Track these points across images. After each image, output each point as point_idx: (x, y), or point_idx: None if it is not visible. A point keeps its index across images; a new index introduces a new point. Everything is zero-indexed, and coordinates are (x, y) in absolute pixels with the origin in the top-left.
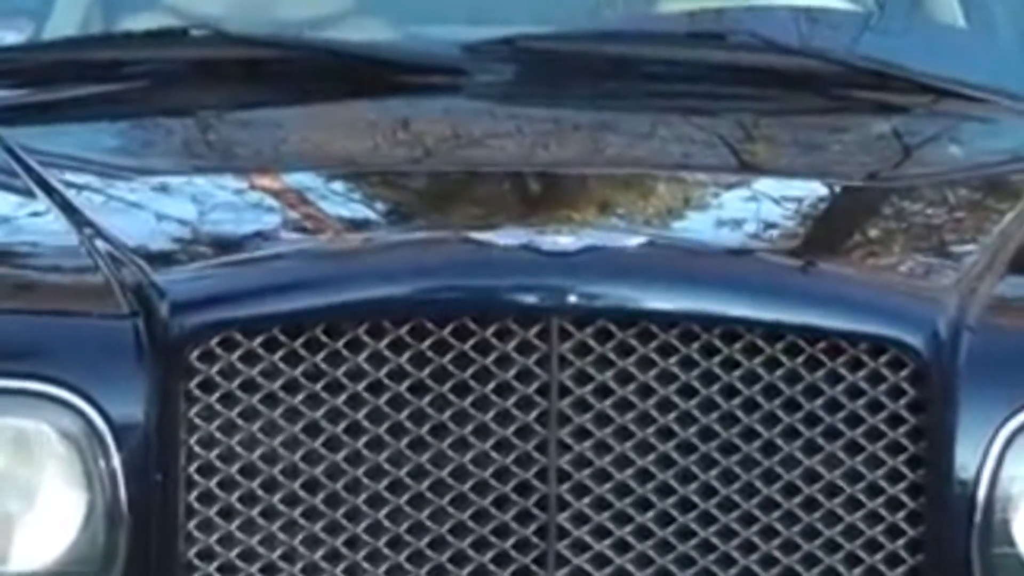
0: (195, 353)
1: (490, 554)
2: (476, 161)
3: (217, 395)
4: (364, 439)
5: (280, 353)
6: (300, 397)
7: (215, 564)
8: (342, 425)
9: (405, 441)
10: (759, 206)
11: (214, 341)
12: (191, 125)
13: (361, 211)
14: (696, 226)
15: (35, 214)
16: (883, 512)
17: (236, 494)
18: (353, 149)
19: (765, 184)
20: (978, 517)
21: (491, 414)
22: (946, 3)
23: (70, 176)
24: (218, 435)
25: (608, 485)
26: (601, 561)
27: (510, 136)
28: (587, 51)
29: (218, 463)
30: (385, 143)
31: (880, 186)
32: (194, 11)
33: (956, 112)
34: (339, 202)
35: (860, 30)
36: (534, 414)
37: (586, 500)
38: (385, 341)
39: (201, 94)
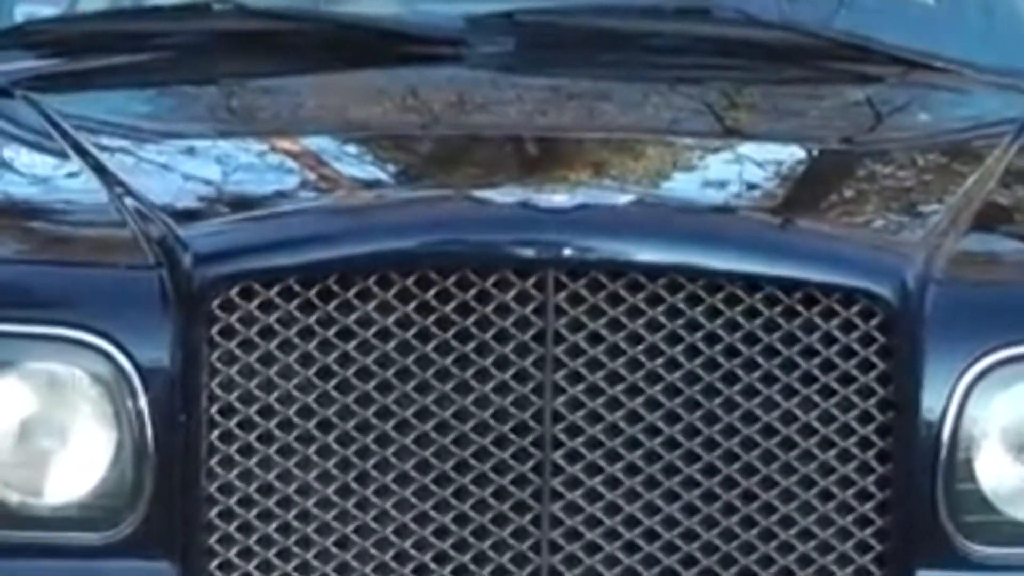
0: (216, 302)
1: (490, 489)
2: (478, 126)
3: (237, 341)
4: (373, 382)
5: (295, 302)
6: (314, 343)
7: (235, 498)
8: (352, 369)
9: (411, 384)
10: (741, 168)
11: (234, 291)
12: (213, 92)
13: (371, 171)
14: (682, 186)
15: (69, 174)
16: (854, 451)
17: (254, 433)
18: (363, 114)
19: (747, 148)
20: (943, 456)
21: (491, 359)
22: None
23: (101, 139)
24: (238, 378)
25: (600, 426)
26: (593, 496)
27: (510, 103)
28: (582, 25)
29: (238, 404)
30: (393, 109)
31: (854, 150)
32: None
33: (925, 82)
34: (350, 163)
35: (836, 6)
36: (531, 359)
37: (579, 439)
38: (392, 291)
39: (223, 63)
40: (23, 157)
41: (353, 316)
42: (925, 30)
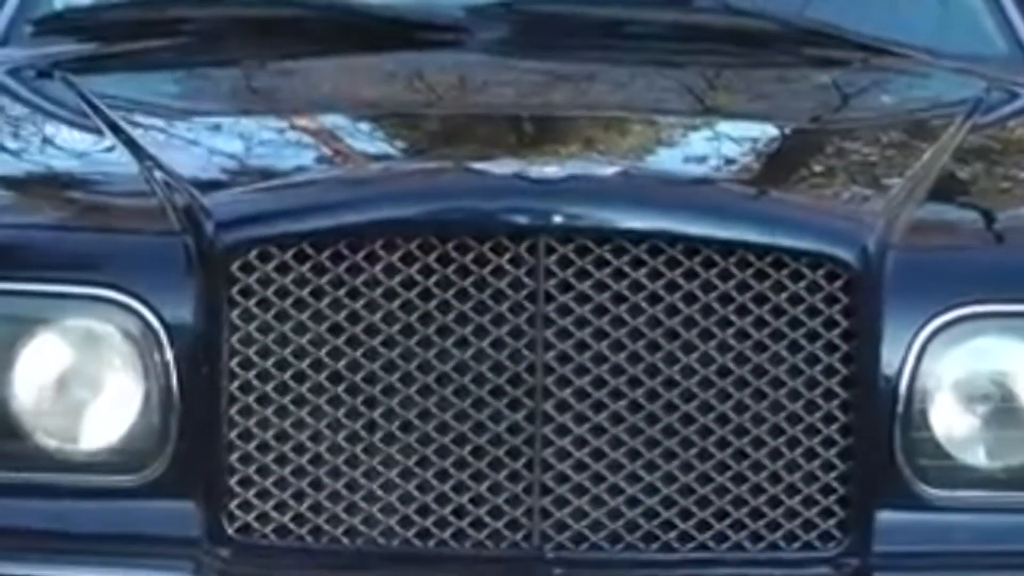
0: (236, 264)
1: (486, 436)
2: (476, 105)
3: (255, 300)
4: (379, 338)
5: (309, 264)
6: (325, 302)
7: (253, 443)
8: (361, 326)
9: (414, 340)
10: (717, 143)
11: (252, 254)
12: (234, 73)
13: (378, 145)
14: (663, 159)
15: (104, 149)
16: (820, 401)
17: (271, 384)
18: (371, 94)
19: (723, 125)
20: (900, 407)
21: (487, 317)
22: None
23: (132, 116)
24: (255, 334)
25: (587, 378)
26: (580, 442)
27: (506, 84)
28: (574, 13)
29: (255, 358)
30: (399, 89)
31: (820, 128)
32: None
33: (885, 66)
34: (359, 138)
35: None
36: (524, 317)
37: (568, 391)
38: (397, 255)
39: (243, 47)
40: (61, 133)
41: (361, 277)
42: (886, 19)
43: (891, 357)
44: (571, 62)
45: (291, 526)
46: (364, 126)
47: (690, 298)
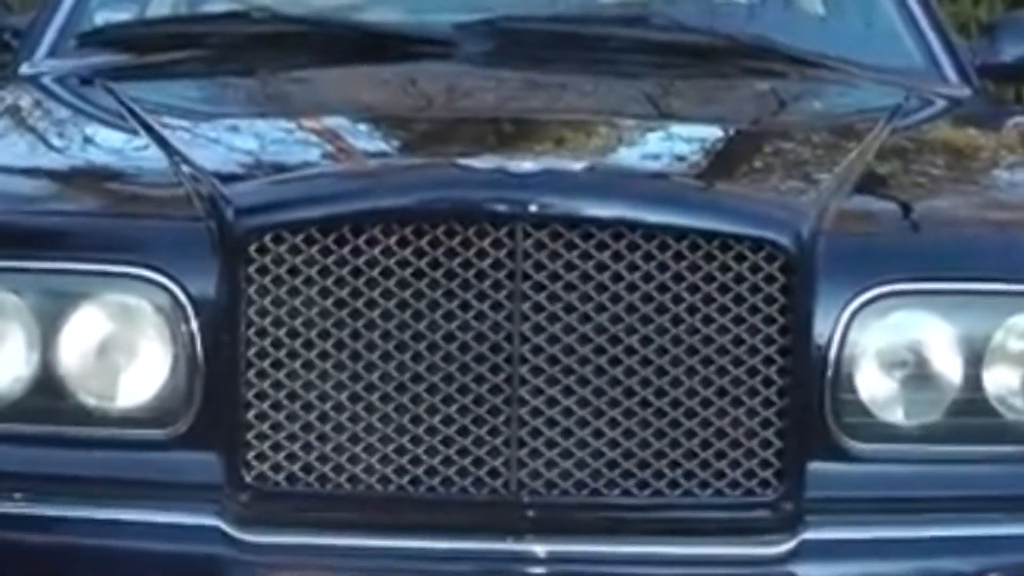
0: (253, 246)
1: (470, 396)
2: (462, 109)
3: (269, 277)
4: (378, 311)
5: (317, 247)
6: (331, 279)
7: (267, 402)
8: (362, 300)
9: (408, 313)
10: (671, 143)
11: (267, 237)
12: (251, 81)
13: (377, 143)
14: (624, 156)
15: (138, 146)
16: (759, 367)
17: (283, 351)
18: (371, 99)
19: (675, 127)
20: (829, 372)
21: (472, 293)
22: None
23: (163, 118)
24: (270, 307)
25: (558, 346)
26: (552, 402)
27: (489, 91)
28: (548, 29)
29: (270, 328)
30: (395, 95)
31: (760, 129)
32: None
33: (817, 77)
34: (360, 137)
35: (748, 16)
36: (503, 293)
37: (541, 357)
38: (394, 238)
39: (259, 58)
40: (101, 132)
41: (362, 258)
42: (818, 36)
43: (821, 329)
44: (545, 72)
45: (300, 474)
46: (364, 127)
47: (648, 277)
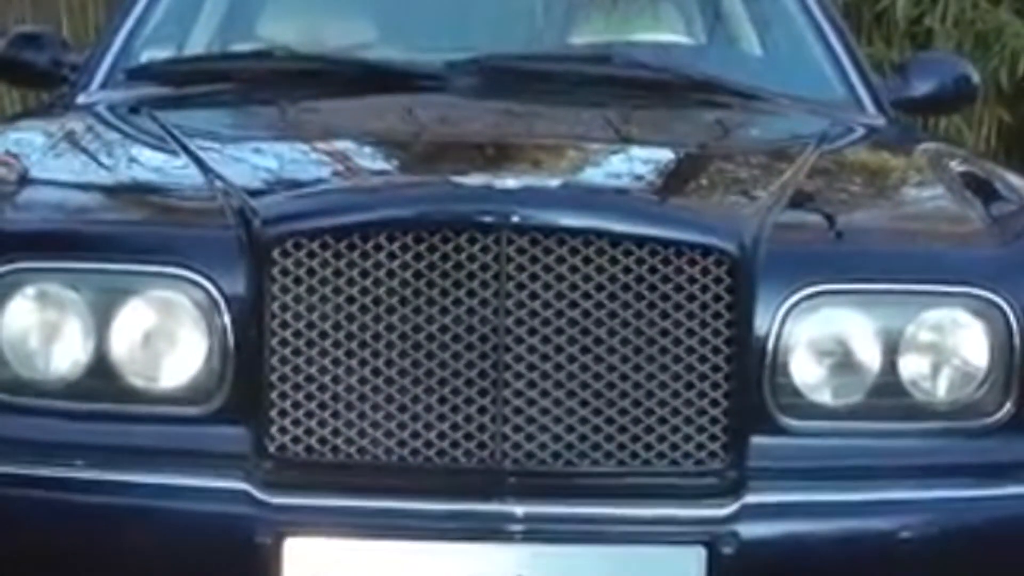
0: (276, 251)
1: (461, 379)
2: (454, 134)
3: (290, 278)
4: (383, 306)
5: (330, 251)
6: (343, 279)
7: (288, 384)
8: (369, 297)
9: (408, 308)
10: (633, 163)
11: (289, 243)
12: (274, 110)
13: (381, 163)
14: (593, 174)
15: (178, 165)
16: (708, 355)
17: (302, 340)
18: (376, 125)
19: (636, 150)
20: (767, 360)
21: (463, 291)
22: (749, 38)
23: (199, 141)
24: (290, 303)
25: (537, 337)
26: (531, 384)
27: (476, 119)
28: (528, 67)
29: (290, 320)
30: (396, 122)
31: (708, 152)
32: (276, 39)
33: (756, 108)
34: (366, 157)
35: (696, 56)
36: (490, 291)
37: (523, 347)
38: (397, 244)
39: (280, 90)
40: (146, 153)
41: (369, 261)
42: (756, 73)
43: (761, 323)
44: (524, 103)
45: (316, 446)
46: (369, 149)
47: (613, 278)
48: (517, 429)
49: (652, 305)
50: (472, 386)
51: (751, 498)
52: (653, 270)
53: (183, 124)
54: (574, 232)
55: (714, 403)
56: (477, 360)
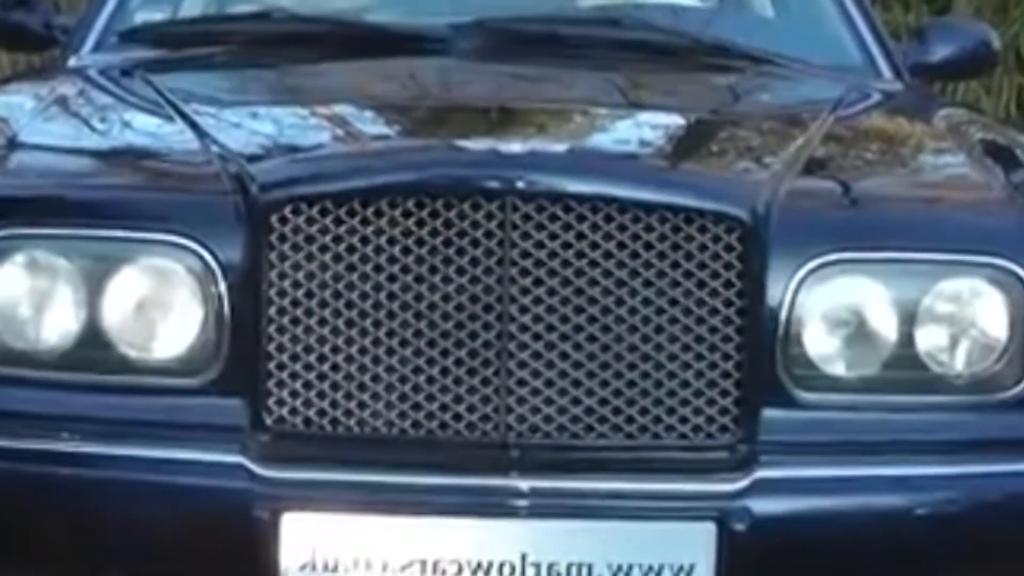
0: (274, 217)
1: (464, 350)
2: (458, 98)
3: (288, 244)
4: (383, 274)
5: (330, 217)
6: (343, 246)
7: (286, 354)
8: (370, 265)
9: (410, 276)
10: (641, 128)
11: (287, 209)
12: (272, 73)
13: (383, 127)
14: (600, 139)
15: (173, 130)
16: (719, 326)
17: (300, 309)
18: (377, 89)
19: (645, 115)
20: (780, 331)
21: (466, 258)
22: (762, 1)
23: (195, 105)
24: (288, 270)
25: (542, 306)
26: (536, 355)
27: (480, 83)
28: (533, 29)
29: (288, 288)
30: (398, 86)
31: (720, 118)
32: (274, 0)
33: (768, 73)
34: (368, 122)
35: (708, 19)
36: (494, 259)
37: (528, 316)
38: (399, 210)
39: (278, 53)
40: (140, 118)
41: (371, 227)
42: (769, 37)
43: (774, 292)
44: (530, 66)
45: (315, 418)
46: (371, 113)
47: (621, 245)
48: (522, 401)
49: (661, 274)
50: (476, 357)
51: (763, 473)
52: (662, 237)
53: (178, 87)
54: (581, 198)
55: (725, 375)
56: (481, 330)
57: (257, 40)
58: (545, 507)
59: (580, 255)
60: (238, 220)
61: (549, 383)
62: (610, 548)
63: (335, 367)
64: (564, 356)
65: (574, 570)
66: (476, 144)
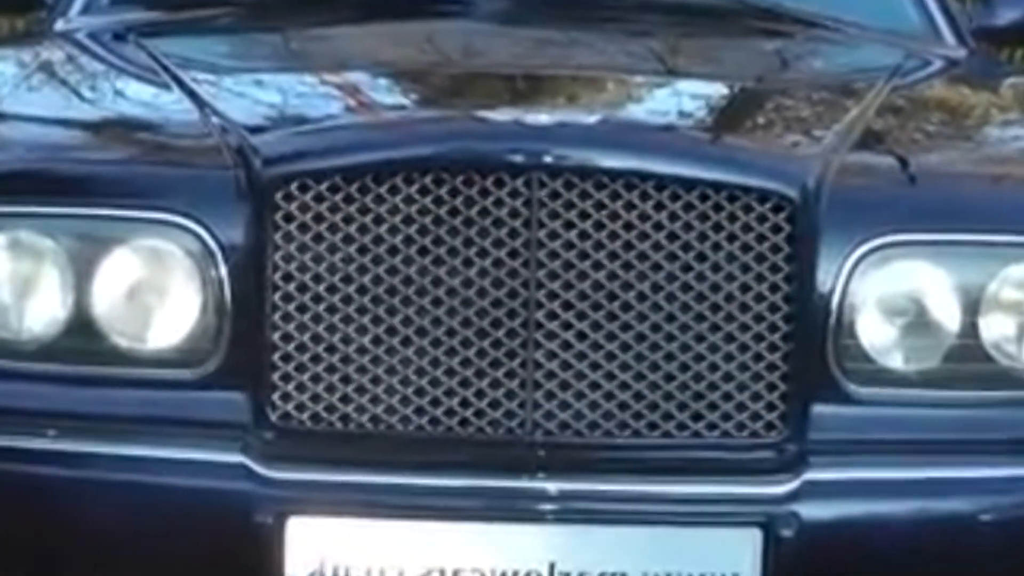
0: (279, 194)
1: (487, 340)
2: (480, 64)
3: (295, 224)
4: (399, 257)
5: (340, 195)
6: (354, 226)
7: (292, 344)
8: (384, 247)
9: (428, 259)
10: (680, 98)
11: (293, 185)
12: (277, 38)
13: (398, 96)
14: (635, 110)
15: (169, 99)
16: (765, 313)
17: (308, 295)
18: (392, 55)
19: (684, 83)
20: (832, 319)
21: (489, 240)
22: None
23: (193, 72)
24: (295, 253)
25: (572, 292)
26: (566, 345)
27: (505, 48)
28: None
29: (295, 272)
30: (415, 51)
31: (767, 87)
32: None
33: (819, 37)
34: (382, 90)
35: None
36: (519, 241)
37: (556, 303)
38: (415, 187)
39: (284, 16)
40: (134, 86)
41: (384, 206)
42: None
43: (825, 277)
44: (558, 30)
45: (324, 414)
46: (385, 81)
47: (658, 226)
48: (550, 396)
49: (702, 257)
50: (499, 347)
51: (813, 474)
52: (703, 217)
53: (174, 53)
54: (614, 174)
55: (771, 367)
56: (505, 318)
57: (261, 1)
58: (575, 511)
59: (613, 236)
60: (240, 197)
61: (579, 376)
62: (645, 556)
63: (345, 358)
64: (596, 346)
65: None
66: (500, 115)
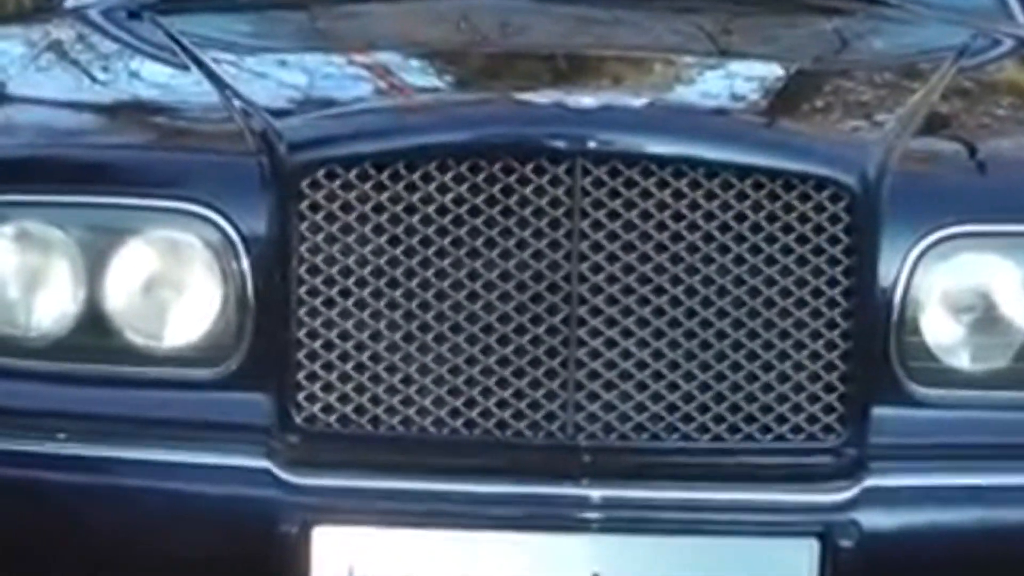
0: (305, 182)
1: (526, 337)
2: (519, 44)
3: (321, 214)
4: (432, 248)
5: (370, 183)
6: (385, 216)
7: (319, 342)
8: (416, 238)
9: (463, 250)
10: (732, 80)
11: (320, 173)
12: (302, 16)
13: (432, 78)
14: (684, 93)
15: (188, 81)
16: (823, 309)
17: (335, 289)
18: (425, 34)
19: (736, 65)
20: (894, 315)
21: (528, 231)
22: None
23: (213, 52)
24: (322, 244)
25: (617, 286)
26: (611, 343)
27: (546, 26)
28: None
29: (322, 265)
30: (450, 30)
31: (825, 68)
32: None
33: (881, 15)
34: (415, 72)
35: None
36: (561, 232)
37: (600, 297)
38: (450, 175)
39: None
40: (149, 66)
41: (417, 195)
42: None
43: (887, 271)
44: (602, 8)
45: (353, 416)
46: (418, 61)
47: (709, 216)
48: (593, 397)
49: (755, 249)
50: (539, 345)
51: (873, 481)
52: (757, 207)
53: (193, 32)
54: (663, 161)
55: (829, 367)
56: (545, 314)
57: None
58: (620, 520)
59: (661, 227)
60: (263, 185)
61: (625, 375)
62: (695, 567)
63: (376, 357)
64: (643, 344)
65: None
66: (541, 97)
